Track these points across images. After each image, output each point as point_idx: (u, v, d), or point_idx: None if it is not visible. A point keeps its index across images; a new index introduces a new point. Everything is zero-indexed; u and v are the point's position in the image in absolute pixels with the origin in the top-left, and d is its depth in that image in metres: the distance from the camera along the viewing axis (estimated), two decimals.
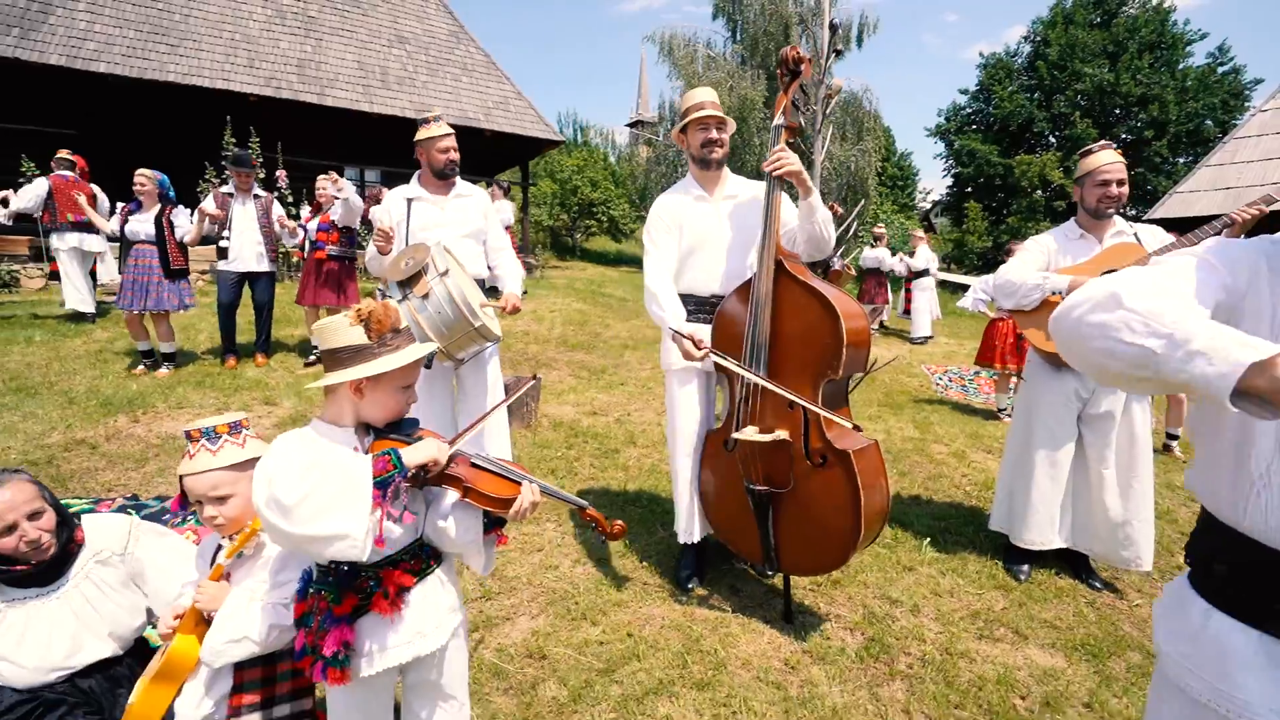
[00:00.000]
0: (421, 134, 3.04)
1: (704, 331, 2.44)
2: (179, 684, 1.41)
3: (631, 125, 51.04)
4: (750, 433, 2.28)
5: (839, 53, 3.08)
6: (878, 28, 19.64)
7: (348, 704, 1.38)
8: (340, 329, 1.30)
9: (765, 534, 2.37)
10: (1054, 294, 2.66)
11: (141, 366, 5.40)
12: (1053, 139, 28.58)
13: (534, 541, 3.09)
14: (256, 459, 1.42)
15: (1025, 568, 2.93)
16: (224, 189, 5.57)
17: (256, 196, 5.57)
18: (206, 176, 9.27)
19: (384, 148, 12.22)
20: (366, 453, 1.31)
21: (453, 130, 3.08)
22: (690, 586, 2.68)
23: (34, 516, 1.56)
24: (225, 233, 5.48)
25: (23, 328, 6.42)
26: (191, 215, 5.53)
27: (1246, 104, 25.58)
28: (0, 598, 1.58)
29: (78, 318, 6.68)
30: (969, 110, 30.52)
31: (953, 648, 2.38)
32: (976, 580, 2.88)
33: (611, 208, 20.62)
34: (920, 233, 10.44)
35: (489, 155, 13.94)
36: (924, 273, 9.65)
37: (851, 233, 15.93)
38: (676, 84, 19.39)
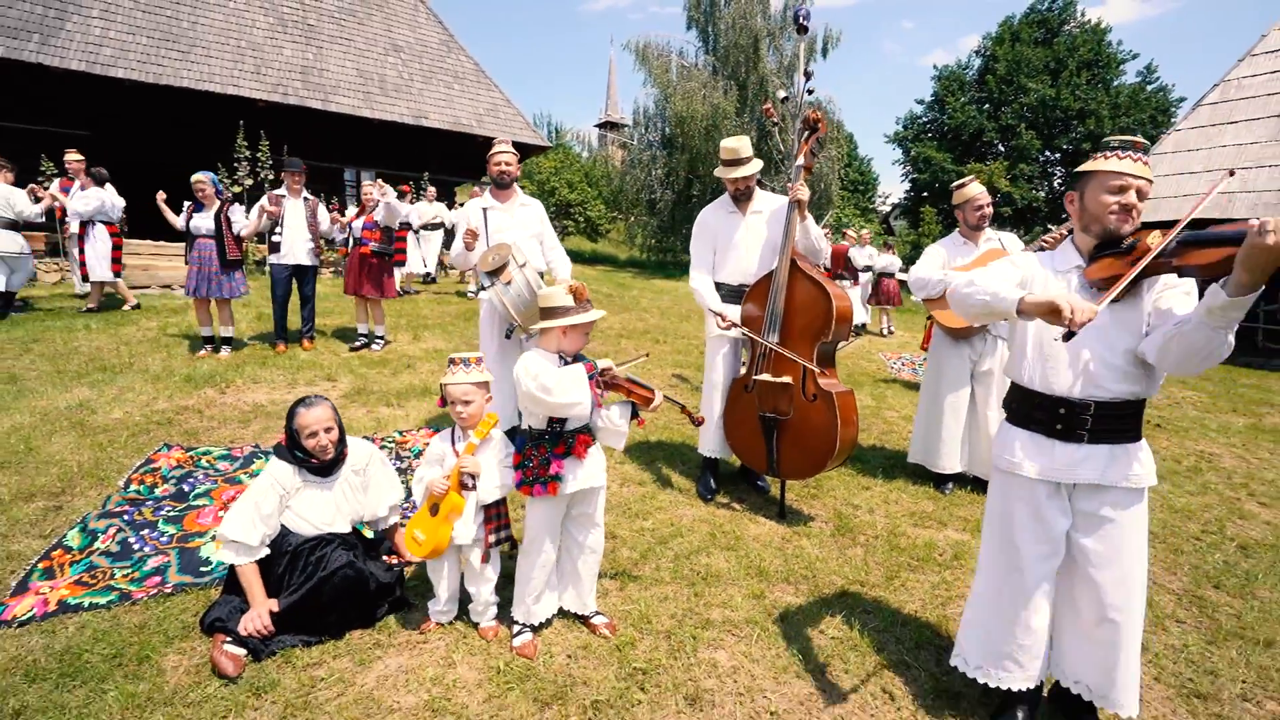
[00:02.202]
0: (491, 151, 3.96)
1: (733, 311, 3.45)
2: (452, 523, 2.31)
3: (601, 126, 51.91)
4: (766, 377, 3.30)
5: (810, 92, 3.96)
6: (840, 41, 20.93)
7: (544, 515, 2.32)
8: (558, 295, 2.21)
9: (770, 449, 3.37)
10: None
11: (205, 350, 6.09)
12: (1002, 148, 30.47)
13: None
14: (487, 382, 2.35)
15: (949, 485, 4.01)
16: (278, 191, 6.31)
17: (306, 199, 6.33)
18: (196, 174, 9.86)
19: (381, 150, 12.91)
20: None
21: (510, 149, 4.00)
22: (709, 497, 3.67)
23: (328, 430, 2.43)
24: (278, 229, 6.22)
25: (73, 318, 7.03)
26: (248, 212, 6.26)
27: (1172, 120, 27.82)
28: (302, 480, 2.45)
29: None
30: (924, 119, 32.27)
31: (895, 530, 3.41)
32: (914, 495, 3.93)
33: (588, 208, 21.47)
34: (853, 233, 11.80)
35: (479, 159, 14.69)
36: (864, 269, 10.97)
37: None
38: (651, 90, 20.37)
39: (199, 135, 10.74)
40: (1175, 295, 1.74)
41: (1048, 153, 29.63)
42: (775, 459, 3.38)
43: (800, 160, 3.33)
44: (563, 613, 2.51)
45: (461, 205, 10.72)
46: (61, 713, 1.92)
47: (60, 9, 9.96)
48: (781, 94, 4.65)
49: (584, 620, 2.46)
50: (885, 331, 11.14)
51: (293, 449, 2.42)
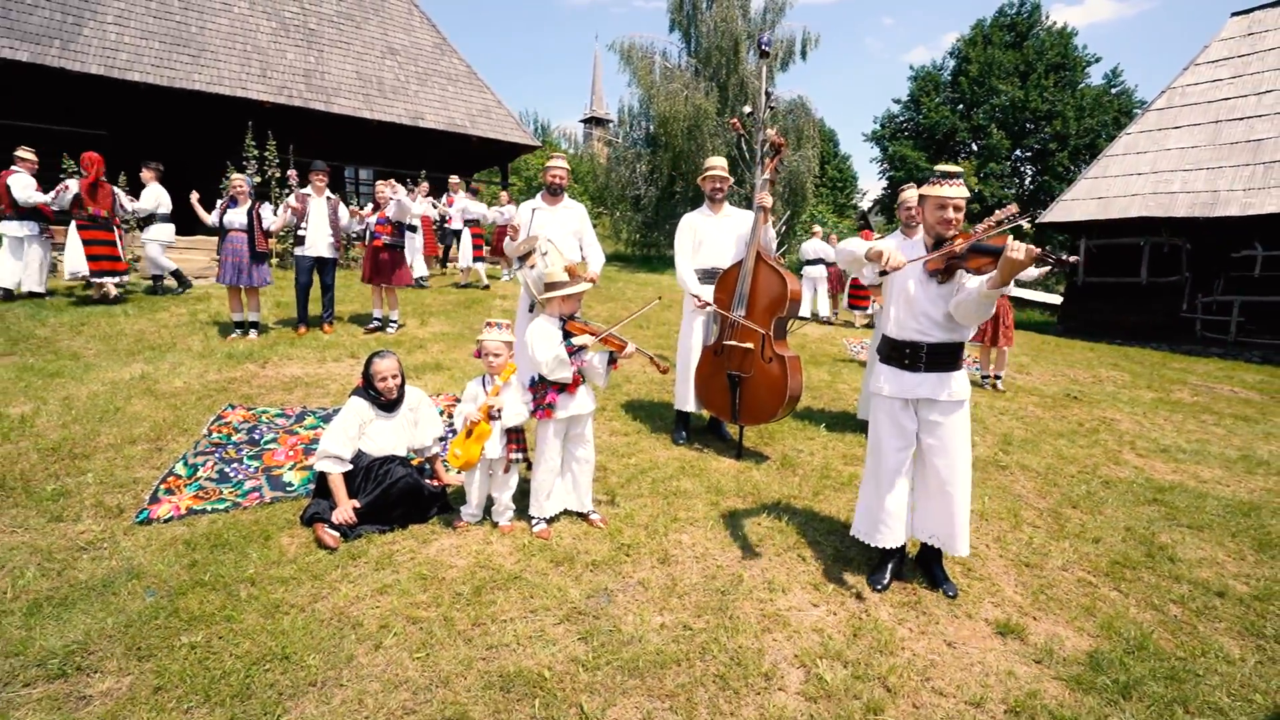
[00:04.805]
0: (546, 163, 4.79)
1: (708, 291, 4.35)
2: (482, 443, 3.14)
3: (585, 122, 52.61)
4: (734, 343, 4.19)
5: (772, 109, 4.79)
6: (819, 42, 21.79)
7: (550, 433, 3.18)
8: (558, 273, 3.05)
9: (734, 400, 4.27)
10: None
11: (236, 333, 6.82)
12: (974, 147, 31.63)
13: None
14: (511, 341, 3.19)
15: None
16: (303, 190, 7.05)
17: (328, 197, 7.08)
18: (227, 175, 10.53)
19: (379, 149, 13.60)
20: (563, 328, 3.08)
21: (564, 164, 4.79)
22: (680, 442, 4.54)
23: (394, 377, 3.26)
24: (303, 224, 6.97)
25: (110, 304, 7.72)
26: (276, 210, 7.00)
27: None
28: (375, 414, 3.28)
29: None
30: (901, 118, 33.36)
31: (829, 466, 4.30)
32: (849, 444, 4.83)
33: None
34: (817, 228, 12.62)
35: (473, 157, 15.42)
36: (816, 261, 11.75)
37: (787, 232, 18.14)
38: (635, 91, 21.16)
39: (209, 135, 11.38)
40: (971, 279, 2.64)
41: (1017, 152, 30.87)
42: (737, 408, 4.26)
43: (766, 175, 4.19)
44: (567, 512, 3.36)
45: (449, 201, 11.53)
46: (221, 565, 2.74)
47: (78, 15, 10.54)
48: (747, 109, 5.51)
49: (583, 517, 3.33)
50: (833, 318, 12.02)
51: (368, 389, 3.24)
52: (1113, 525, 3.81)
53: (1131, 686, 2.33)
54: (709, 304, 4.34)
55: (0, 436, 3.95)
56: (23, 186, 7.31)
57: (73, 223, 7.40)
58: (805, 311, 11.58)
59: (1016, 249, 2.27)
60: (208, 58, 11.48)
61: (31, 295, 7.51)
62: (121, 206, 7.81)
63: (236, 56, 11.88)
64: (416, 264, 10.56)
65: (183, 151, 11.52)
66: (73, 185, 7.59)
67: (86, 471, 3.62)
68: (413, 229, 10.56)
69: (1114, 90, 29.82)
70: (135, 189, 8.67)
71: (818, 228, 12.52)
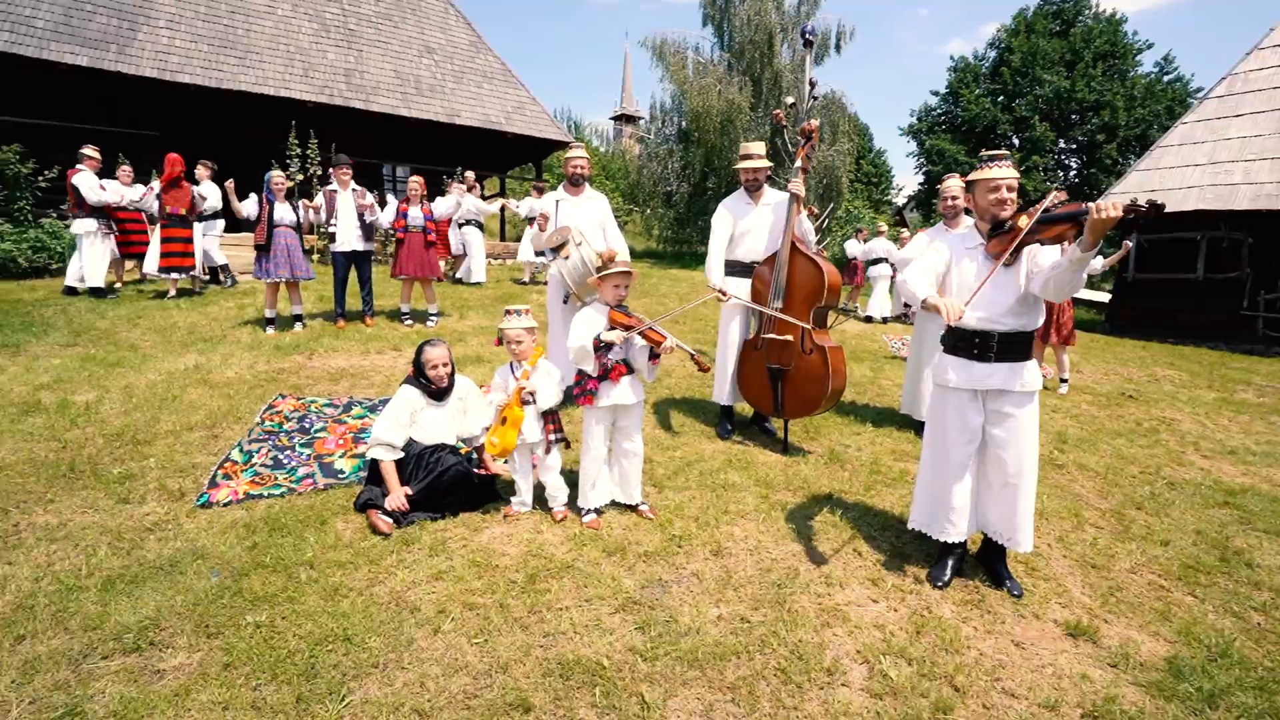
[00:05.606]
0: (566, 153, 4.77)
1: (743, 285, 4.25)
2: (517, 428, 3.14)
3: (616, 119, 52.67)
4: (773, 336, 4.10)
5: (815, 99, 4.71)
6: (854, 35, 21.41)
7: (595, 420, 3.17)
8: (599, 261, 3.03)
9: (776, 394, 4.18)
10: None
11: (270, 329, 6.90)
12: (1015, 140, 30.70)
13: None
14: (534, 327, 3.17)
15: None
16: (330, 186, 7.15)
17: (354, 189, 7.14)
18: (273, 172, 10.79)
19: (416, 146, 13.80)
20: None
21: (584, 153, 4.78)
22: (726, 435, 4.48)
23: (445, 365, 3.28)
24: (333, 221, 7.07)
25: (177, 298, 8.00)
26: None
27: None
28: (425, 402, 3.31)
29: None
30: (939, 111, 32.54)
31: (878, 461, 4.20)
32: (897, 439, 4.71)
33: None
34: (883, 225, 12.34)
35: (509, 154, 15.55)
36: (879, 260, 11.51)
37: (823, 227, 17.83)
38: (668, 86, 21.05)
39: (255, 134, 11.68)
40: (1045, 254, 2.53)
41: (1061, 144, 29.86)
42: (780, 402, 4.18)
43: (798, 163, 4.10)
44: (616, 505, 3.34)
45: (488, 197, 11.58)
46: (280, 548, 2.79)
47: (132, 21, 10.92)
48: (789, 100, 5.41)
49: (633, 509, 3.30)
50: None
51: (419, 377, 3.27)
52: (1181, 528, 3.64)
53: (1217, 695, 2.21)
54: (735, 298, 4.13)
55: (69, 422, 4.10)
56: (89, 186, 7.60)
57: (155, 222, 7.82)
58: (873, 313, 11.37)
59: (1104, 207, 2.17)
60: (253, 59, 11.79)
61: (93, 291, 7.79)
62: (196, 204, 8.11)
63: (280, 57, 12.17)
64: (477, 264, 10.49)
65: (228, 150, 11.86)
66: (156, 186, 7.97)
67: (149, 456, 3.73)
68: (480, 226, 10.63)
69: (1166, 79, 28.59)
70: None
71: (882, 225, 12.29)
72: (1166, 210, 4.20)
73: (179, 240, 7.89)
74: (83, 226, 7.65)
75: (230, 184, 7.22)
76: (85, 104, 10.65)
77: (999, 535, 2.76)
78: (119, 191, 8.11)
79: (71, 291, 7.82)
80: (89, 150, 7.79)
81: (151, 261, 7.91)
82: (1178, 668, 2.34)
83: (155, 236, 7.92)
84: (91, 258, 7.76)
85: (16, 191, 9.33)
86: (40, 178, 9.40)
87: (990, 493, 2.76)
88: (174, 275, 7.99)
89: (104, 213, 7.85)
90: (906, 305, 8.73)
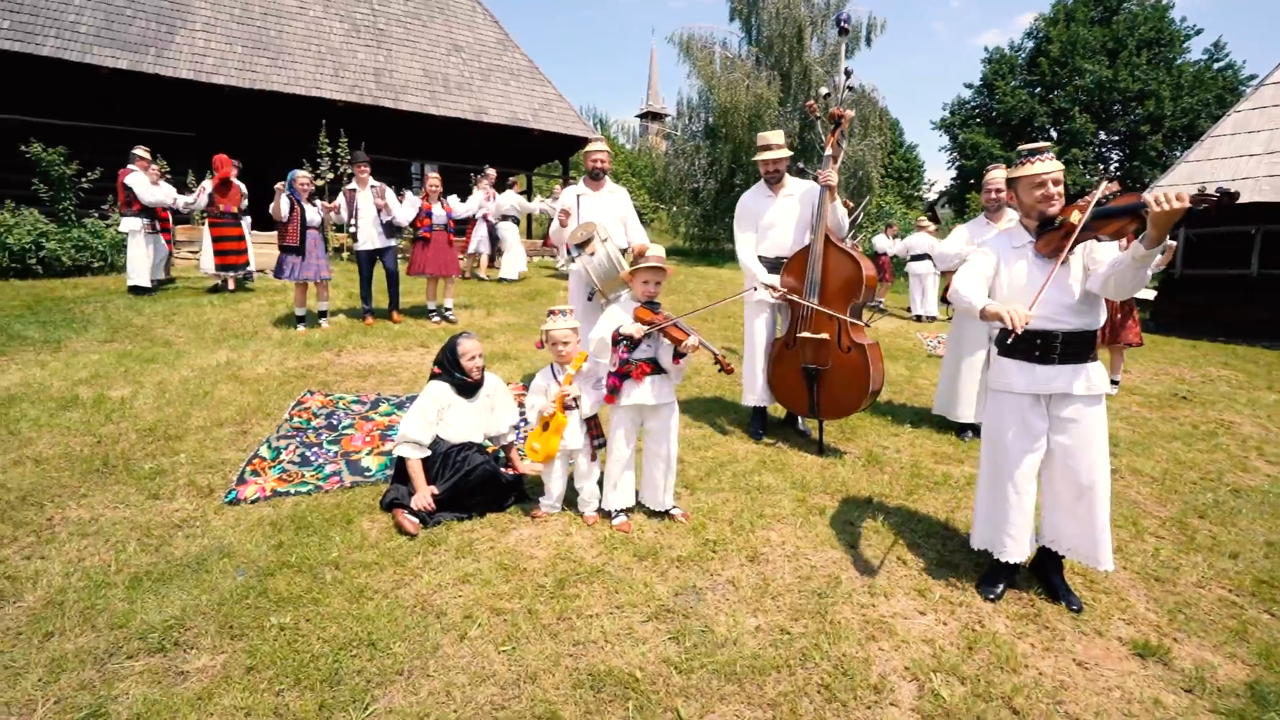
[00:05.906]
0: (586, 147, 4.67)
1: (775, 280, 4.08)
2: (560, 434, 3.05)
3: (642, 116, 52.50)
4: (808, 334, 3.94)
5: (850, 89, 4.50)
6: (885, 28, 20.97)
7: (616, 421, 3.08)
8: (628, 259, 2.93)
9: (811, 394, 4.02)
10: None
11: (302, 327, 6.95)
12: (1053, 133, 29.75)
13: None
14: (577, 328, 3.07)
15: (968, 434, 4.58)
16: (349, 186, 7.15)
17: (373, 186, 7.13)
18: (298, 171, 10.91)
19: (444, 144, 13.86)
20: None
21: (604, 147, 4.68)
22: (759, 437, 4.33)
23: (480, 356, 3.21)
24: (354, 220, 7.08)
25: (195, 294, 8.12)
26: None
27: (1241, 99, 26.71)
28: (454, 397, 3.25)
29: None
30: (972, 104, 31.71)
31: (918, 464, 4.01)
32: (936, 441, 4.51)
33: (632, 198, 22.10)
34: (925, 221, 11.93)
35: (535, 151, 15.54)
36: (922, 257, 11.11)
37: (858, 222, 17.45)
38: (695, 82, 20.83)
39: (286, 134, 11.84)
40: (1103, 249, 2.35)
41: (1102, 135, 28.85)
42: (815, 402, 4.03)
43: (829, 151, 3.93)
44: (647, 510, 3.23)
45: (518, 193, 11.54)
46: (306, 547, 2.74)
47: (170, 24, 11.14)
48: (824, 90, 5.22)
49: (664, 514, 3.18)
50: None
51: (452, 370, 3.21)
52: (1251, 539, 3.39)
53: None
54: (784, 292, 4.02)
55: (104, 417, 4.14)
56: (143, 186, 7.78)
57: (205, 220, 8.06)
58: (925, 311, 11.06)
59: (1167, 198, 1.98)
60: (285, 60, 11.94)
61: (134, 289, 7.94)
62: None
63: (311, 58, 12.31)
64: (513, 258, 10.46)
65: (260, 150, 12.05)
66: (207, 186, 8.16)
67: (180, 452, 3.74)
68: (516, 222, 10.65)
69: (1217, 66, 27.41)
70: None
71: (925, 220, 11.94)
72: None
73: (231, 239, 8.14)
74: (130, 225, 7.82)
75: (279, 186, 7.30)
76: (123, 106, 10.90)
77: (1076, 553, 2.57)
78: (171, 193, 8.28)
79: (138, 290, 7.97)
80: (140, 151, 7.97)
81: (207, 260, 8.15)
82: (1261, 694, 2.15)
83: (206, 235, 8.16)
84: (137, 255, 7.92)
85: (62, 192, 9.60)
86: (84, 179, 9.64)
87: (1061, 508, 2.57)
88: (231, 273, 8.29)
89: (153, 212, 8.01)
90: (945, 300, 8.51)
